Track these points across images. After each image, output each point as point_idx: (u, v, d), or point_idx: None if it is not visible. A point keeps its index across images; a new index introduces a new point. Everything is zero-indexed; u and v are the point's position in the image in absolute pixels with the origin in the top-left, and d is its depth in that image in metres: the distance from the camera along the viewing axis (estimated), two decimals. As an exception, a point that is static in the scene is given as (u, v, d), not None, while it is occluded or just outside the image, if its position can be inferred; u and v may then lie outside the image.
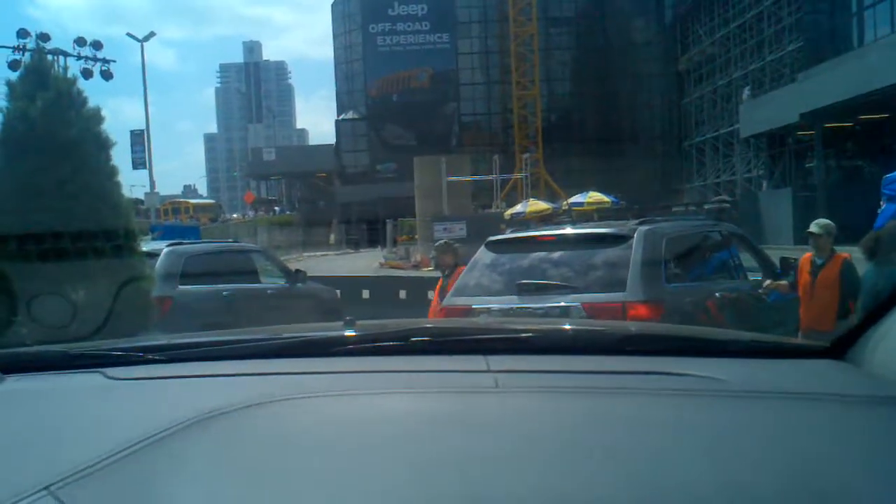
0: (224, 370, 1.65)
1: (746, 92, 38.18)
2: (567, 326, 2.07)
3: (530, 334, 1.84)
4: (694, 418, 1.31)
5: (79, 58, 27.88)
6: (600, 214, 30.21)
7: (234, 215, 74.20)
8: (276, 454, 1.18)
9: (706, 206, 33.04)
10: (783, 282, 7.30)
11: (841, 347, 1.62)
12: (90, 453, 1.16)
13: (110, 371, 1.66)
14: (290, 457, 1.18)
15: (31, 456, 1.22)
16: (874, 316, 1.56)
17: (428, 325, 1.93)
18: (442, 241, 9.15)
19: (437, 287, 8.60)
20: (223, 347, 1.82)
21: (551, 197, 44.06)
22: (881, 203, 11.18)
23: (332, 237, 50.49)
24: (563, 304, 5.98)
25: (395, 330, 1.86)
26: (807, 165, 32.63)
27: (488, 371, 1.55)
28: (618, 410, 1.34)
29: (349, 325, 1.91)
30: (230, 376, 1.62)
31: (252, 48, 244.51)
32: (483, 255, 6.92)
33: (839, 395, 1.38)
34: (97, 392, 1.58)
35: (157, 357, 1.77)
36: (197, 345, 1.88)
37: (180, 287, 9.72)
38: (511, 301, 6.23)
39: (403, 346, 1.73)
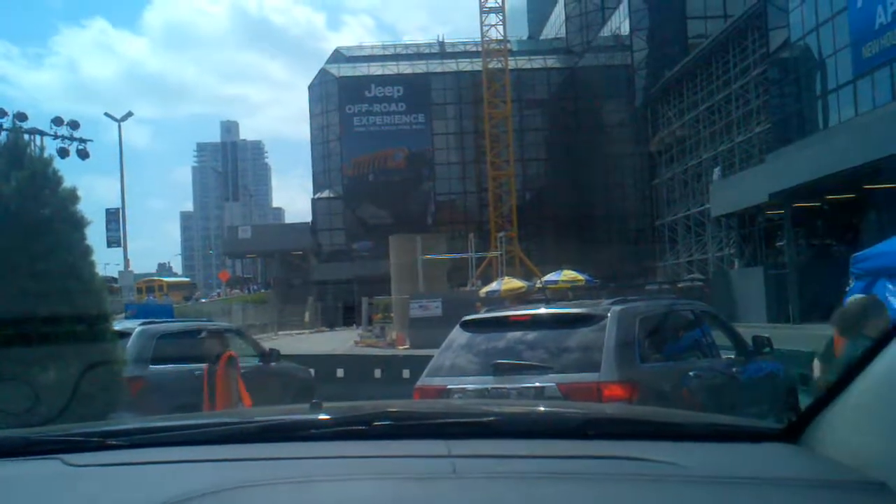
0: (186, 456, 1.64)
1: (717, 172, 38.85)
2: (529, 410, 2.08)
3: (491, 418, 1.85)
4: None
5: (55, 137, 27.81)
6: (575, 293, 30.34)
7: (217, 292, 73.77)
8: None
9: (679, 285, 33.29)
10: None
11: (795, 430, 1.64)
12: None
13: (70, 457, 1.64)
14: None
15: None
16: (827, 398, 1.58)
17: (391, 409, 1.93)
18: (212, 327, 9.33)
19: (205, 372, 8.55)
20: (185, 432, 1.81)
21: (526, 275, 44.24)
22: (850, 281, 11.29)
23: (308, 315, 50.24)
24: (538, 384, 5.97)
25: (357, 414, 1.86)
26: (777, 244, 33.06)
27: (448, 456, 1.56)
28: (578, 496, 1.35)
29: (315, 408, 1.91)
30: (191, 462, 1.61)
31: (229, 128, 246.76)
32: (458, 334, 6.90)
33: (791, 480, 1.40)
34: (54, 480, 1.56)
35: (118, 442, 1.76)
36: (158, 429, 1.87)
37: (152, 367, 9.61)
38: (486, 381, 6.21)
39: (366, 430, 1.73)
